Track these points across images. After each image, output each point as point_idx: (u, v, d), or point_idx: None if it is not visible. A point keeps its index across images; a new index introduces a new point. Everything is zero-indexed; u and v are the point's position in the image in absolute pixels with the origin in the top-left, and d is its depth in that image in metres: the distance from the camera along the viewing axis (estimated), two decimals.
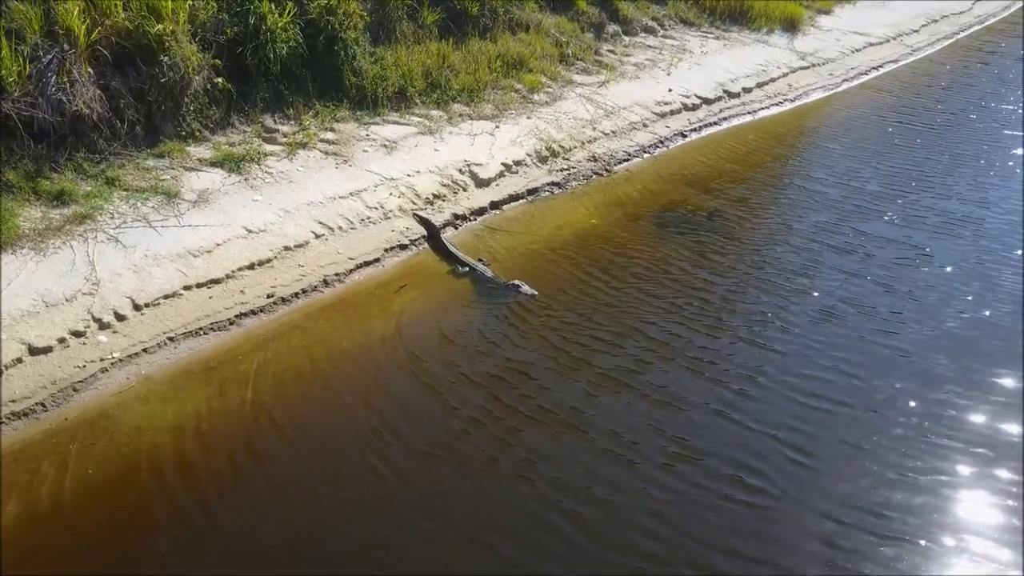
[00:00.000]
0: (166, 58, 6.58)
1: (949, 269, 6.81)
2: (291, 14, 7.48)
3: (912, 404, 5.05)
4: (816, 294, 6.28)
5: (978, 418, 4.97)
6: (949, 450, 4.67)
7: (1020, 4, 21.21)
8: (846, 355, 5.48)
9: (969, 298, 6.34)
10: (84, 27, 6.19)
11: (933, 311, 6.13)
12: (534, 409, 4.78)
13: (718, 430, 4.72)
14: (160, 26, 6.52)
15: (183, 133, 6.79)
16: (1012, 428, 4.88)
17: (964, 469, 4.55)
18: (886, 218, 7.76)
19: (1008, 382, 5.30)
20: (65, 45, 6.15)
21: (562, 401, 4.86)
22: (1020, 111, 11.74)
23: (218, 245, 5.82)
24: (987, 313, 6.15)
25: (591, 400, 4.92)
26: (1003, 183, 8.94)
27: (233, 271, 5.68)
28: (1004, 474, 4.52)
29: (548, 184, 7.92)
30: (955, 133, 10.69)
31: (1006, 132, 10.85)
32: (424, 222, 6.74)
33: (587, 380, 5.08)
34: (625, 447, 4.55)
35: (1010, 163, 9.63)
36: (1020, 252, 7.18)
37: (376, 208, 6.75)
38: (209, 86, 6.99)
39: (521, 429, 4.62)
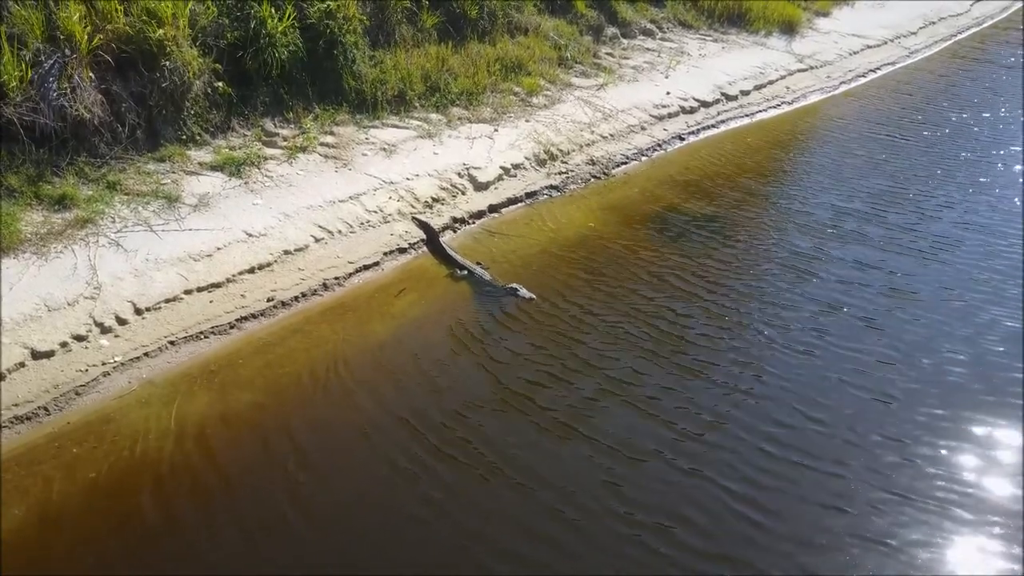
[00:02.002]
0: (167, 63, 6.63)
1: (940, 303, 6.30)
2: (291, 18, 7.53)
3: (893, 459, 4.60)
4: (795, 329, 5.82)
5: (969, 477, 4.49)
6: (933, 515, 4.21)
7: (1019, 5, 21.28)
8: (821, 400, 5.06)
9: (961, 336, 5.83)
10: (86, 32, 6.23)
11: (920, 351, 5.63)
12: (481, 460, 4.44)
13: (677, 487, 4.33)
14: (161, 31, 6.57)
15: (184, 137, 6.84)
16: (1005, 490, 4.41)
17: (952, 538, 4.08)
18: (875, 243, 7.30)
19: (1003, 435, 4.85)
20: (67, 50, 6.19)
21: (516, 454, 4.52)
22: (1020, 123, 11.41)
23: (219, 249, 5.87)
24: (980, 354, 5.62)
25: (545, 448, 4.58)
26: (1001, 204, 8.46)
27: (233, 275, 5.73)
28: (999, 547, 4.04)
29: (546, 187, 7.97)
30: (952, 145, 10.32)
31: (1006, 146, 10.43)
32: (423, 226, 6.79)
33: (537, 425, 4.74)
34: (575, 507, 4.18)
35: (1010, 182, 9.10)
36: (1020, 283, 6.58)
37: (375, 212, 6.79)
38: (210, 90, 7.04)
39: (463, 482, 4.28)
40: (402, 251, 6.59)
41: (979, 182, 9.11)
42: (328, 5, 7.83)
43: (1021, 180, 9.17)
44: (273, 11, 7.42)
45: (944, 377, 5.42)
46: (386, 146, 7.66)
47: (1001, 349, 5.75)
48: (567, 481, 4.36)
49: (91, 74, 6.30)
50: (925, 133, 10.81)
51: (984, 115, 11.80)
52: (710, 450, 4.62)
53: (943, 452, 4.72)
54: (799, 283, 6.54)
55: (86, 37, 6.23)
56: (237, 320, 5.45)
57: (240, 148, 7.01)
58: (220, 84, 7.09)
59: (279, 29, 7.41)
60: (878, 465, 4.58)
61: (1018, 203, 8.51)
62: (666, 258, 6.83)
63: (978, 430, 4.93)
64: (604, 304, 6.05)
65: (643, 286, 6.34)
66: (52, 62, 6.09)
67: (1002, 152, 10.23)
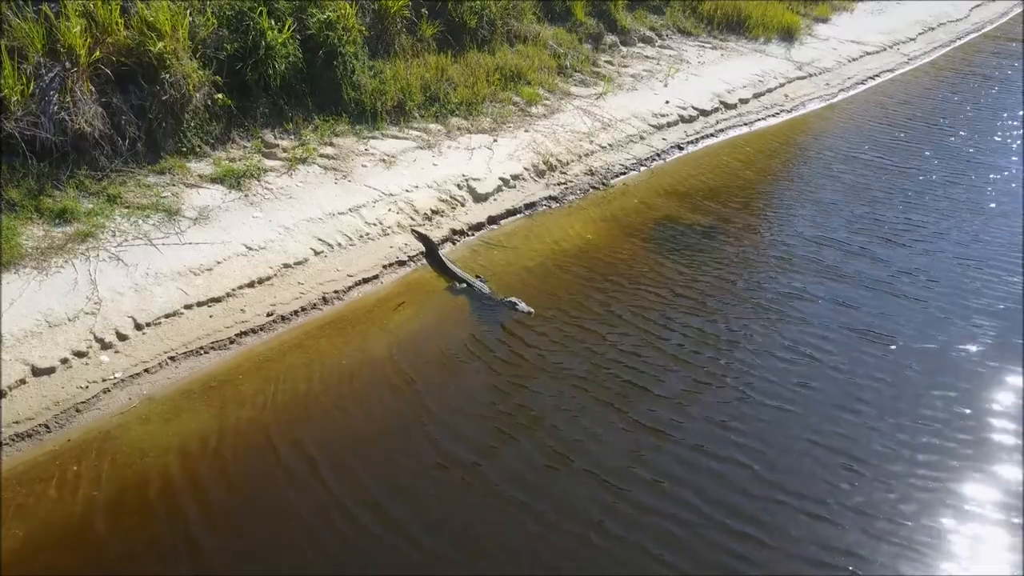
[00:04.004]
0: (167, 75, 6.65)
1: (932, 353, 5.77)
2: (291, 30, 7.55)
3: (863, 539, 4.11)
4: (769, 381, 5.40)
5: (954, 568, 4.01)
6: None
7: (1018, 10, 21.33)
8: (792, 466, 4.62)
9: (953, 394, 5.31)
10: (86, 46, 6.25)
11: (905, 411, 5.13)
12: (421, 529, 4.17)
13: (626, 569, 4.00)
14: (161, 44, 6.59)
15: (184, 149, 6.86)
16: None
17: None
18: (861, 280, 6.79)
19: (995, 514, 4.31)
20: (67, 63, 6.21)
21: (459, 524, 4.25)
22: (1020, 145, 10.86)
23: (218, 263, 5.88)
24: (975, 416, 5.12)
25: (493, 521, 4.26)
26: (999, 237, 7.83)
27: (233, 289, 5.75)
28: None
29: (545, 198, 8.00)
30: (949, 168, 9.77)
31: (1004, 169, 9.88)
32: (422, 238, 6.81)
33: (490, 494, 4.41)
34: None
35: (1009, 211, 8.50)
36: (1021, 330, 6.01)
37: (375, 224, 6.81)
38: (209, 102, 7.06)
39: (394, 555, 4.04)
40: (401, 264, 6.61)
41: (975, 210, 8.55)
42: (328, 16, 7.85)
43: (1022, 208, 8.56)
44: (273, 22, 7.44)
45: (931, 442, 4.92)
46: (385, 157, 7.68)
47: (1000, 409, 5.26)
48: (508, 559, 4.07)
49: (91, 87, 6.32)
50: (931, 149, 10.43)
51: (981, 136, 11.24)
52: (666, 526, 4.22)
53: (923, 535, 4.21)
54: (779, 326, 6.09)
55: (86, 50, 6.25)
56: (237, 335, 5.47)
57: (240, 160, 7.03)
58: (220, 96, 7.10)
59: (279, 40, 7.43)
60: (847, 545, 4.14)
61: (1018, 235, 7.83)
62: (650, 290, 6.49)
63: (965, 506, 4.43)
64: (585, 339, 5.77)
65: (622, 325, 5.99)
66: (52, 75, 6.12)
67: (1000, 176, 9.69)
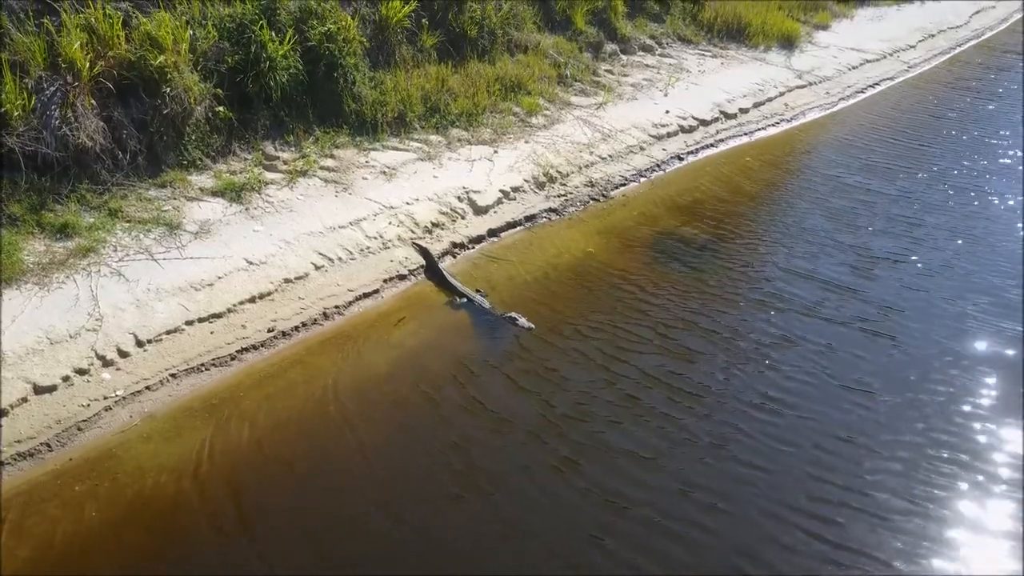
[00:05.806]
0: (168, 89, 6.66)
1: (923, 408, 5.36)
2: (291, 41, 7.56)
3: None
4: (746, 439, 5.03)
5: None
6: None
7: (1019, 16, 21.39)
8: (750, 531, 4.35)
9: (946, 457, 4.92)
10: (87, 60, 6.26)
11: (888, 473, 4.73)
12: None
13: None
14: (162, 57, 6.60)
15: (185, 162, 6.87)
16: None
17: None
18: (855, 319, 6.43)
19: None
20: (68, 77, 6.23)
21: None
22: (1021, 171, 10.30)
23: (219, 278, 5.89)
24: (966, 490, 4.71)
25: None
26: (1002, 269, 7.43)
27: (234, 305, 5.76)
28: None
29: (545, 210, 8.01)
30: (947, 189, 9.49)
31: (1007, 193, 9.45)
32: (423, 251, 6.82)
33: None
34: None
35: (1013, 242, 8.09)
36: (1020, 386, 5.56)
37: (375, 238, 6.83)
38: (210, 115, 7.07)
39: None
40: (402, 278, 6.62)
41: (974, 242, 8.08)
42: (328, 28, 7.87)
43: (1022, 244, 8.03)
44: (274, 34, 7.46)
45: (921, 510, 4.56)
46: (386, 169, 7.69)
47: (1000, 475, 4.83)
48: None
49: (93, 101, 6.34)
50: (914, 178, 9.84)
51: (979, 156, 10.77)
52: None
53: None
54: (762, 374, 5.71)
55: (88, 64, 6.26)
56: (238, 351, 5.48)
57: (241, 173, 7.04)
58: (221, 108, 7.12)
59: (280, 52, 7.45)
60: None
61: (1018, 267, 7.37)
62: (637, 327, 6.18)
63: None
64: (561, 382, 5.53)
65: (597, 370, 5.69)
66: (54, 90, 6.13)
67: (999, 203, 9.23)
